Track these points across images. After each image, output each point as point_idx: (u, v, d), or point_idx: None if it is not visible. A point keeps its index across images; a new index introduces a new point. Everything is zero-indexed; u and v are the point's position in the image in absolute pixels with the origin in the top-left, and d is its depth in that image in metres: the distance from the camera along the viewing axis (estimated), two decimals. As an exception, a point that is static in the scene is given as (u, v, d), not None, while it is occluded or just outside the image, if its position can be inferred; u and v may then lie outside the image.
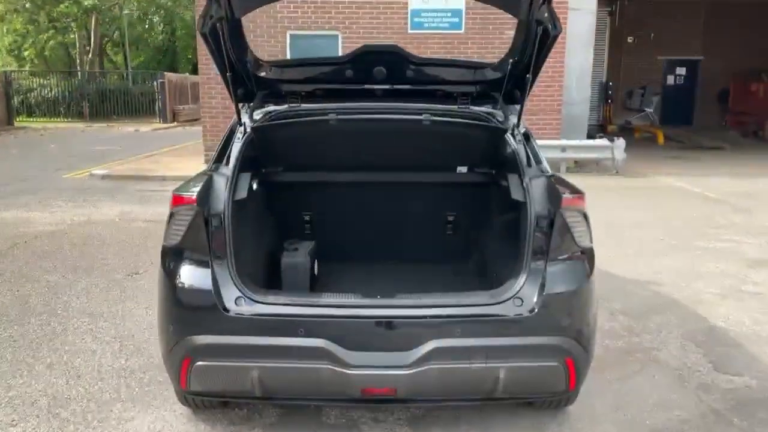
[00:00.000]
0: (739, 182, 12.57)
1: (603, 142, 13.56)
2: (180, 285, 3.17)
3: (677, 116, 23.82)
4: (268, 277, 3.95)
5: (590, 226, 3.31)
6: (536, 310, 3.08)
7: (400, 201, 4.46)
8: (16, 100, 28.48)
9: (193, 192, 3.12)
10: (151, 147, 18.45)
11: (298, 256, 3.93)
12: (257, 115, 3.93)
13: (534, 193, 3.28)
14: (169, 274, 3.23)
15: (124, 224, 8.67)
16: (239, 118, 3.77)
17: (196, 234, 3.15)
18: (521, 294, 3.13)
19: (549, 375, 3.18)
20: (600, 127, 20.80)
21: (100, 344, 4.81)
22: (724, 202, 10.59)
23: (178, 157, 15.60)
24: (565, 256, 3.22)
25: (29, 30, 35.95)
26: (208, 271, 3.14)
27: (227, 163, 3.46)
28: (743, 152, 17.76)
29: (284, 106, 3.99)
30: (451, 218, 4.46)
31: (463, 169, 4.24)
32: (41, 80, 30.86)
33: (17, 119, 27.61)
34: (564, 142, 13.35)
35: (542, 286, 3.13)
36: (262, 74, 4.00)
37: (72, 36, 37.25)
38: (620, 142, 13.30)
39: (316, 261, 4.17)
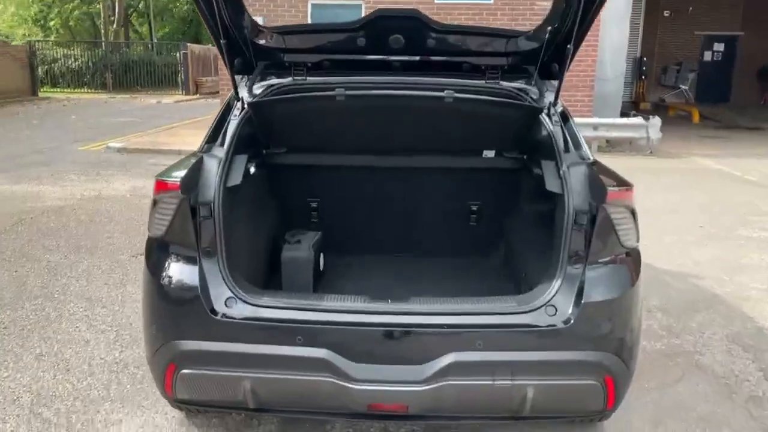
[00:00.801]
0: (782, 165, 11.90)
1: (637, 120, 12.90)
2: (163, 282, 2.80)
3: (713, 94, 22.85)
4: (269, 273, 3.55)
5: (638, 223, 2.86)
6: (572, 321, 2.65)
7: (418, 188, 4.00)
8: (40, 71, 28.39)
9: (177, 177, 2.72)
10: (171, 119, 18.18)
11: (300, 250, 3.51)
12: (257, 89, 3.50)
13: (573, 183, 2.82)
14: (153, 269, 2.86)
15: (135, 200, 8.35)
16: (236, 93, 3.34)
17: (182, 225, 2.77)
18: (555, 302, 2.70)
19: (585, 394, 2.76)
20: (633, 104, 20.06)
21: (94, 333, 4.49)
22: (766, 186, 9.97)
23: (197, 129, 15.23)
24: (608, 259, 2.78)
25: (54, 0, 35.78)
26: (195, 268, 2.76)
27: (222, 144, 3.05)
28: (783, 133, 16.96)
29: (288, 79, 3.54)
30: (474, 208, 4.00)
31: (489, 154, 3.76)
32: (66, 50, 30.68)
33: (42, 89, 27.51)
34: (596, 120, 12.73)
35: (580, 293, 2.70)
36: (262, 42, 3.54)
37: (97, 6, 36.94)
38: (656, 121, 12.65)
39: (321, 254, 3.75)
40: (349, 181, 3.93)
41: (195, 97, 27.44)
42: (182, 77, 28.72)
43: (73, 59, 29.87)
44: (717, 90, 23.09)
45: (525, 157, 3.67)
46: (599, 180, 2.73)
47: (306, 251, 3.49)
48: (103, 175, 10.01)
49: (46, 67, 29.30)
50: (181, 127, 16.34)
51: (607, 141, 13.12)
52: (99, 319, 4.72)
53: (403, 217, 4.06)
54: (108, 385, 3.81)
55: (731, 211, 8.30)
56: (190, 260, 2.78)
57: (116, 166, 10.85)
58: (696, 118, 18.99)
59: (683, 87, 22.54)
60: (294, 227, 3.84)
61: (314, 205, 4.00)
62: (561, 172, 2.90)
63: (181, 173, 2.75)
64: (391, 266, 3.95)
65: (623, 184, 2.80)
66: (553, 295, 2.71)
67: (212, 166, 2.88)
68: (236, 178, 2.96)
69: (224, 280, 2.75)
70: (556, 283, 2.73)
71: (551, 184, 2.95)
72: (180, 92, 28.24)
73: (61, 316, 4.77)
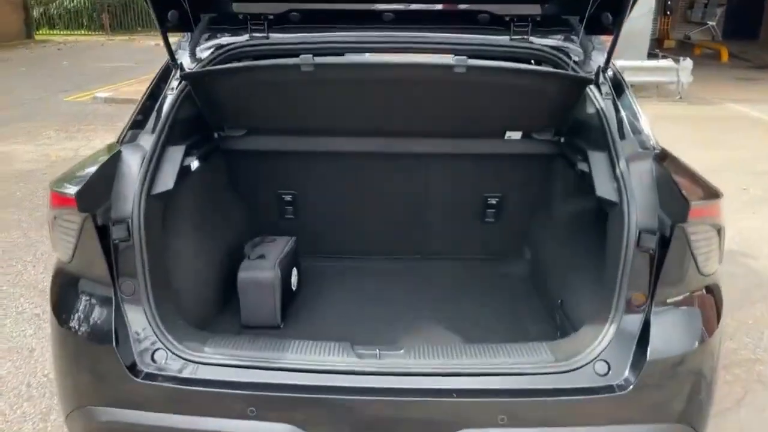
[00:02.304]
0: (825, 112, 10.88)
1: (667, 63, 11.82)
2: (69, 327, 2.05)
3: (742, 29, 21.47)
4: (228, 296, 2.77)
5: (724, 241, 2.06)
6: (634, 384, 1.89)
7: (420, 178, 3.15)
8: (36, 12, 27.22)
9: (74, 188, 1.92)
10: (167, 64, 17.18)
11: (262, 269, 2.69)
12: (202, 51, 2.66)
13: (635, 189, 2.01)
14: (57, 306, 2.13)
15: (114, 162, 7.57)
16: (172, 57, 2.50)
17: (89, 252, 2.00)
18: (608, 355, 1.94)
19: None
20: (656, 41, 18.79)
21: (41, 339, 3.79)
22: (811, 138, 9.04)
23: (193, 76, 14.33)
24: (682, 297, 2.00)
25: (49, -65, 34.22)
26: (109, 309, 2.01)
27: (153, 131, 2.24)
28: (819, 73, 15.78)
29: (243, 38, 2.69)
30: (493, 202, 3.16)
31: (514, 136, 2.90)
32: (62, -11, 29.39)
33: (38, 32, 26.38)
34: (621, 62, 11.63)
35: (642, 345, 1.94)
36: None
37: (94, -59, 35.32)
38: (687, 63, 11.57)
39: (294, 269, 2.95)
40: (332, 169, 3.08)
41: (196, 38, 26.28)
42: (183, 17, 27.48)
43: (70, -1, 28.62)
44: (746, 26, 21.71)
45: (562, 140, 2.81)
46: (677, 188, 1.91)
47: (270, 270, 2.67)
48: (84, 131, 9.22)
49: (42, 8, 28.08)
50: (176, 73, 15.39)
51: (631, 85, 12.08)
52: (50, 318, 4.02)
53: (401, 211, 3.23)
54: (46, 415, 3.13)
55: (777, 170, 7.43)
56: (102, 298, 2.03)
57: (101, 120, 10.03)
58: (725, 56, 17.90)
59: (710, 23, 21.20)
60: (263, 228, 3.04)
61: (288, 198, 3.17)
62: (617, 170, 2.08)
63: (84, 178, 1.96)
64: (385, 275, 3.16)
65: (710, 193, 1.98)
66: (606, 347, 1.95)
67: (132, 165, 2.09)
68: (166, 181, 2.15)
69: (150, 324, 2.01)
70: (610, 330, 1.97)
71: (603, 188, 2.12)
72: (181, 33, 27.07)
73: (7, 314, 4.08)
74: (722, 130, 9.53)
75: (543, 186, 3.01)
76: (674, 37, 20.33)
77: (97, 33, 27.64)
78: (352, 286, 3.07)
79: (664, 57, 12.77)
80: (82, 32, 27.81)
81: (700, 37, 20.91)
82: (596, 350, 1.95)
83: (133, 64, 17.41)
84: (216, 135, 2.83)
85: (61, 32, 27.65)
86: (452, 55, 2.37)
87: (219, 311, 2.69)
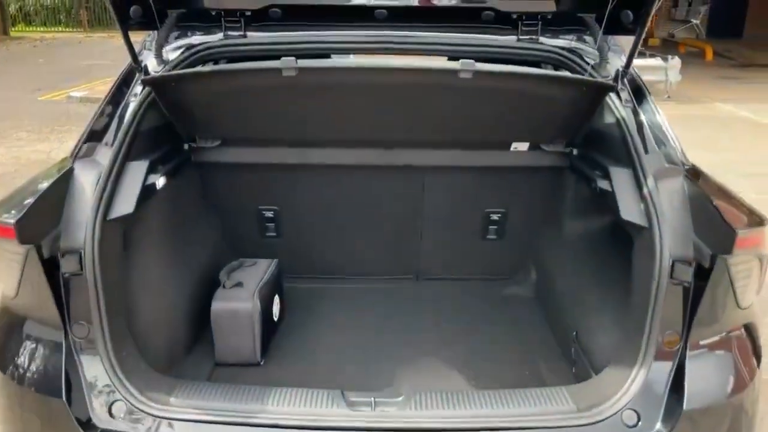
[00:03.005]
0: (813, 111, 10.77)
1: (656, 61, 11.67)
2: (15, 376, 1.77)
3: (726, 27, 21.45)
4: (199, 334, 2.50)
5: (765, 273, 1.82)
6: None
7: (417, 192, 2.89)
8: (12, 8, 26.68)
9: (13, 216, 1.64)
10: (146, 62, 16.77)
11: (237, 299, 2.42)
12: (169, 52, 2.37)
13: (667, 212, 1.76)
14: (0, 351, 1.84)
15: (88, 166, 7.23)
16: (135, 59, 2.22)
17: (35, 289, 1.72)
18: (637, 404, 1.70)
19: None
20: (641, 40, 18.69)
21: None
22: (803, 138, 8.91)
23: (171, 74, 13.94)
24: (719, 337, 1.76)
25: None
26: (59, 355, 1.73)
27: (112, 143, 1.95)
28: (803, 71, 15.71)
29: (217, 37, 2.41)
30: (495, 218, 2.90)
31: (521, 147, 2.64)
32: (39, -15, 28.84)
33: (14, 29, 25.86)
34: (609, 61, 11.50)
35: (678, 392, 1.69)
36: None
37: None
38: (675, 62, 11.46)
39: (276, 297, 2.67)
40: (318, 182, 2.80)
41: (176, 35, 25.86)
42: (162, 14, 27.05)
43: (47, -6, 28.11)
44: (730, 24, 21.69)
45: (574, 152, 2.55)
46: (719, 214, 1.66)
47: (248, 300, 2.40)
48: (57, 132, 8.88)
49: (18, 3, 27.53)
50: (155, 72, 14.99)
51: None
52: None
53: (395, 229, 2.97)
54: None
55: (771, 172, 7.25)
56: (50, 342, 1.75)
57: (75, 120, 9.66)
58: (709, 55, 17.89)
59: (695, 21, 21.16)
60: (242, 248, 2.76)
61: (270, 215, 2.88)
62: (645, 190, 1.83)
63: (27, 203, 1.68)
64: (377, 299, 2.90)
65: (755, 219, 1.73)
66: (635, 394, 1.70)
67: (86, 185, 1.81)
68: (126, 203, 1.87)
69: (107, 371, 1.73)
70: (639, 374, 1.72)
71: (629, 210, 1.87)
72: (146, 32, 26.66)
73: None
74: (712, 130, 9.39)
75: (551, 201, 2.76)
76: (658, 36, 20.25)
77: (75, 30, 27.17)
78: (341, 312, 2.80)
79: (651, 55, 12.61)
80: (60, 29, 27.37)
81: (685, 35, 20.87)
82: (624, 398, 1.71)
83: (109, 61, 16.96)
84: (186, 146, 2.55)
85: (38, 29, 27.18)
86: (447, 58, 2.12)
87: (191, 347, 2.41)
